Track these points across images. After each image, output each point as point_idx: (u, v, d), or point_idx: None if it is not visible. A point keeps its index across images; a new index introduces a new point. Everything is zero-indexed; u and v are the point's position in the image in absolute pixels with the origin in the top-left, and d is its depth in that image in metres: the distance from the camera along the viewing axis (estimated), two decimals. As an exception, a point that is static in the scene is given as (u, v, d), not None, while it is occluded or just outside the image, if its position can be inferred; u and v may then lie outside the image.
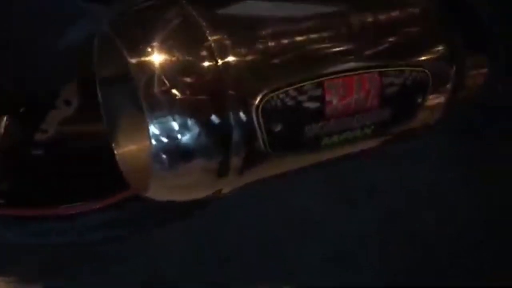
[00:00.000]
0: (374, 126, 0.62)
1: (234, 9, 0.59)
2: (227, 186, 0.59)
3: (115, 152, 0.64)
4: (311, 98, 0.57)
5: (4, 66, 0.74)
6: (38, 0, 0.71)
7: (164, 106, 0.53)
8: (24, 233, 0.99)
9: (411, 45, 0.63)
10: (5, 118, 0.74)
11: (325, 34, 0.59)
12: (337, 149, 0.62)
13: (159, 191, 0.58)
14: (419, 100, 0.64)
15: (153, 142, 0.53)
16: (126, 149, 0.63)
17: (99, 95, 0.63)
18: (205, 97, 0.54)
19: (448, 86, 0.66)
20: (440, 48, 0.65)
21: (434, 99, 0.65)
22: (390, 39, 0.62)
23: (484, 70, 0.70)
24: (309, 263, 1.25)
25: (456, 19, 0.68)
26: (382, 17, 0.62)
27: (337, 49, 0.59)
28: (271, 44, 0.56)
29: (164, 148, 0.54)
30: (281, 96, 0.55)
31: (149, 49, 0.54)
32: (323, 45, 0.59)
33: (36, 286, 1.17)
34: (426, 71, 0.63)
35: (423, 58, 0.63)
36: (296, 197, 1.27)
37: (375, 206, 1.29)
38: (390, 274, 1.25)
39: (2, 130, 0.74)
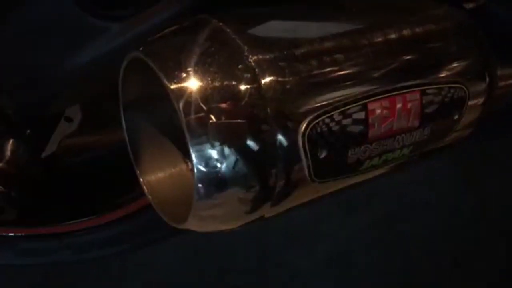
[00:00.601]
0: (413, 146, 0.60)
1: (267, 28, 0.56)
2: (265, 214, 0.56)
3: (140, 179, 0.60)
4: (356, 122, 0.54)
5: (9, 88, 0.69)
6: (47, 17, 0.66)
7: (203, 133, 0.50)
8: (20, 253, 0.95)
9: (448, 60, 0.61)
10: (10, 142, 0.70)
11: (364, 52, 0.56)
12: (375, 171, 0.60)
13: (196, 222, 0.54)
14: (456, 116, 0.62)
15: (195, 170, 0.50)
16: (153, 176, 0.60)
17: (123, 120, 0.59)
18: (245, 121, 0.51)
19: (482, 99, 0.64)
20: (474, 61, 0.63)
21: (469, 114, 0.63)
22: (429, 56, 0.60)
23: (512, 81, 0.69)
24: (308, 268, 1.23)
25: (485, 29, 0.66)
26: (419, 32, 0.59)
27: (378, 67, 0.56)
28: (313, 63, 0.53)
29: (203, 177, 0.51)
30: (326, 120, 0.53)
31: (187, 74, 0.50)
32: (364, 64, 0.56)
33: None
34: (463, 86, 0.61)
35: (459, 73, 0.61)
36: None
37: (374, 212, 1.28)
38: (389, 277, 1.24)
39: (9, 153, 0.69)
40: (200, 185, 0.51)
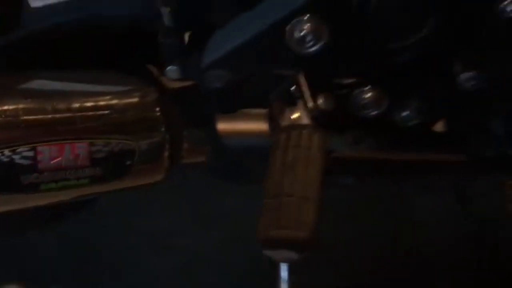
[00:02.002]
0: (90, 179, 0.86)
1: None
2: None
3: None
4: (24, 157, 0.81)
5: None
6: None
7: None
8: None
9: (121, 123, 0.87)
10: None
11: (48, 109, 0.84)
12: (61, 193, 0.86)
13: None
14: (128, 162, 0.87)
15: None
16: None
17: None
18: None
19: (163, 153, 0.89)
20: (152, 125, 0.89)
21: (148, 163, 0.89)
22: (102, 119, 0.86)
23: (204, 143, 0.94)
24: (161, 274, 1.47)
25: (179, 102, 0.92)
26: (98, 103, 0.86)
27: (53, 122, 0.83)
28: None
29: None
30: (-1, 154, 0.80)
31: None
32: (43, 118, 0.83)
33: None
34: (132, 142, 0.86)
35: (130, 132, 0.87)
36: (159, 215, 1.51)
37: (226, 229, 1.50)
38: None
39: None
40: None
